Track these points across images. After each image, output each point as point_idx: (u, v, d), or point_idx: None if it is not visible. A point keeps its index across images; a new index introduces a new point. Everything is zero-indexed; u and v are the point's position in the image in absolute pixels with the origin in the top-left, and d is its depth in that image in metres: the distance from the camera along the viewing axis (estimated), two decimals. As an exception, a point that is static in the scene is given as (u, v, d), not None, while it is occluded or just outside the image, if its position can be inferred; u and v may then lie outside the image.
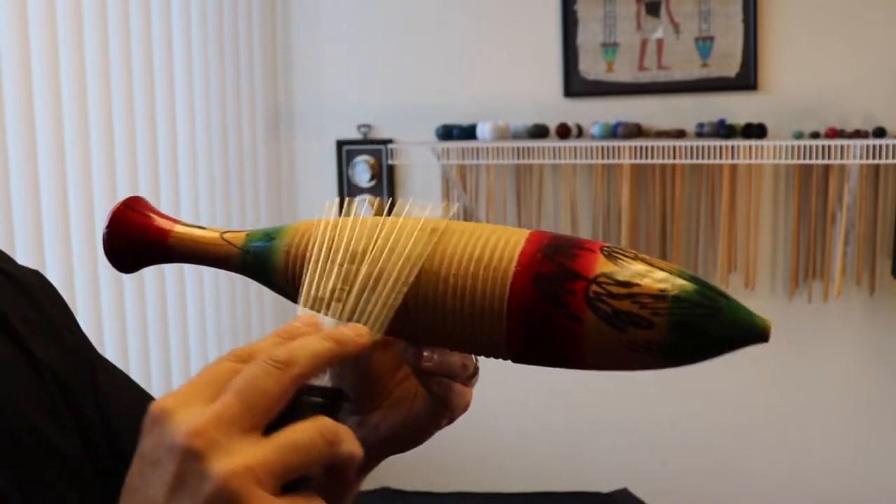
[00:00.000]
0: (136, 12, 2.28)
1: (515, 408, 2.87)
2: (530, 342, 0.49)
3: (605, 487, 2.61)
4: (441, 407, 0.57)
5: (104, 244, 0.55)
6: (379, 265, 0.51)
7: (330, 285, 0.50)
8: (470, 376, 0.57)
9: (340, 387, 0.46)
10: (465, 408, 0.58)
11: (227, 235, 0.55)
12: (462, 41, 2.78)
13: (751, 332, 0.48)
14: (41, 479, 0.55)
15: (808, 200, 2.48)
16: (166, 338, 2.40)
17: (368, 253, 0.51)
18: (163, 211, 0.57)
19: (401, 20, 2.83)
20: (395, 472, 2.60)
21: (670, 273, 0.48)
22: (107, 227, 0.55)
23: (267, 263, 0.54)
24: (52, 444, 0.56)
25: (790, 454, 2.66)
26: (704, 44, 2.55)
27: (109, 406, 0.61)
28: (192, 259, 0.56)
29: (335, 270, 0.51)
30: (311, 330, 0.46)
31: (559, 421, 2.86)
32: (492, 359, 0.53)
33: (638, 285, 0.47)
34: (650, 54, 2.60)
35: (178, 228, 0.56)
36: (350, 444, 0.43)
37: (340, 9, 2.88)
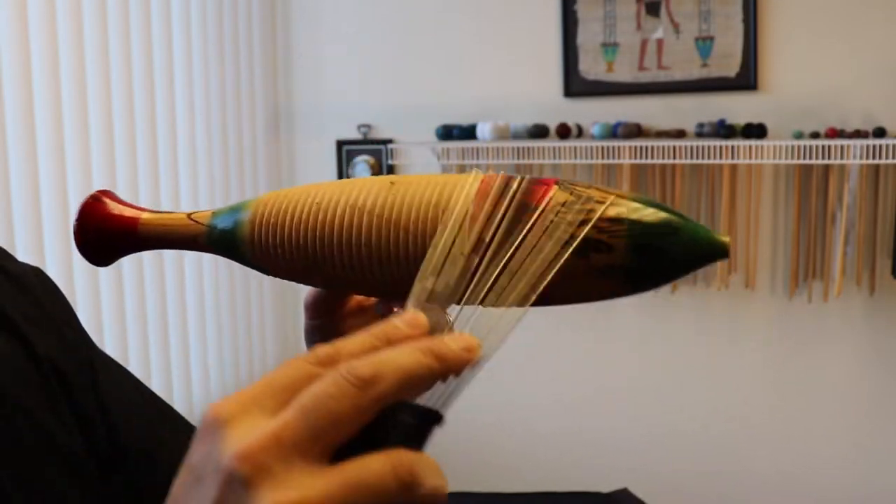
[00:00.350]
0: (136, 12, 2.28)
1: (516, 408, 2.87)
2: None
3: (605, 487, 2.61)
4: None
5: (75, 238, 0.56)
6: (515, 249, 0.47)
7: (453, 280, 0.46)
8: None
9: (436, 408, 0.39)
10: None
11: (193, 215, 0.56)
12: (462, 41, 2.78)
13: (710, 249, 0.48)
14: (42, 476, 0.55)
15: (808, 200, 2.48)
16: (166, 335, 2.40)
17: (496, 244, 0.48)
18: (159, 208, 0.57)
19: (401, 20, 2.83)
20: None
21: (626, 198, 0.48)
22: (76, 221, 0.55)
23: (234, 237, 0.54)
24: (53, 441, 0.56)
25: (790, 454, 2.66)
26: (704, 44, 2.55)
27: (109, 401, 0.61)
28: (163, 243, 0.56)
29: (460, 262, 0.47)
30: (412, 334, 0.39)
31: (559, 421, 2.86)
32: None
33: (594, 210, 0.47)
34: (650, 54, 2.60)
35: (146, 215, 0.56)
36: (432, 481, 0.36)
37: (340, 9, 2.88)
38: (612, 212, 0.48)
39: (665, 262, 0.48)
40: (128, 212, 0.56)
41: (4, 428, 0.54)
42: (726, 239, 0.48)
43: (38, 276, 0.65)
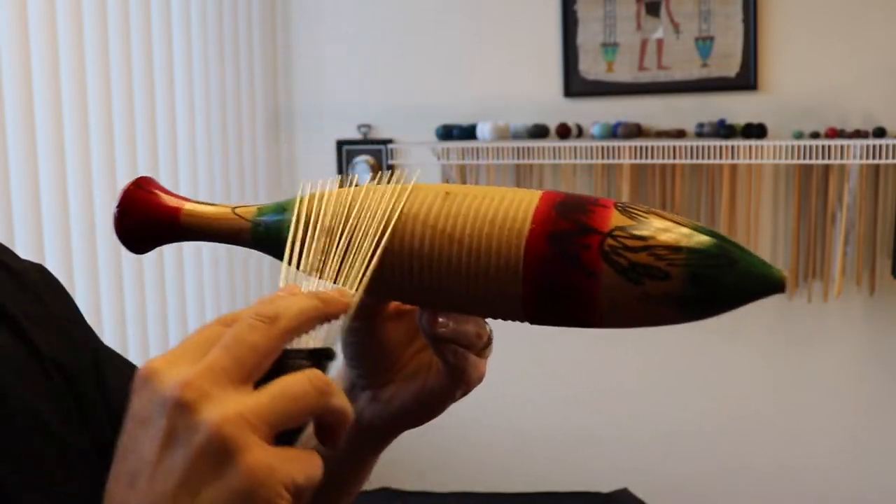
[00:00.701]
0: (136, 12, 2.28)
1: (516, 408, 2.87)
2: (547, 301, 0.48)
3: (605, 487, 2.61)
4: (456, 378, 0.56)
5: (116, 225, 0.55)
6: (353, 233, 0.51)
7: (309, 260, 0.50)
8: (484, 346, 0.56)
9: (330, 346, 0.46)
10: (479, 379, 0.57)
11: (238, 210, 0.55)
12: (462, 41, 2.78)
13: (767, 282, 0.47)
14: (46, 474, 0.55)
15: (808, 200, 2.48)
16: (166, 332, 2.40)
17: (340, 224, 0.51)
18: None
19: (401, 20, 2.83)
20: (395, 472, 2.60)
21: (685, 226, 0.48)
22: (118, 207, 0.54)
23: (279, 236, 0.53)
24: (58, 437, 0.56)
25: (790, 454, 2.66)
26: (704, 44, 2.55)
27: (113, 395, 0.61)
28: (204, 236, 0.55)
29: (312, 246, 0.51)
30: (295, 291, 0.47)
31: (559, 421, 2.86)
32: (508, 322, 0.52)
33: (653, 237, 0.47)
34: (650, 54, 2.60)
35: (189, 206, 0.55)
36: (342, 398, 0.42)
37: (340, 9, 2.88)
38: (671, 239, 0.47)
39: (720, 293, 0.47)
40: (171, 201, 0.55)
41: (8, 426, 0.54)
42: (784, 273, 0.48)
43: (40, 273, 0.65)
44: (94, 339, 0.65)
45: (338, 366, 0.53)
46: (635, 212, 0.48)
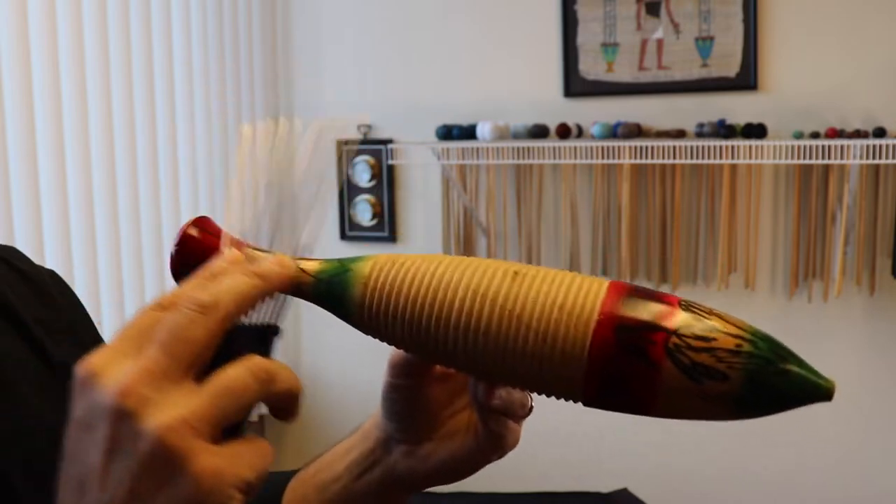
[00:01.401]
0: (136, 12, 2.28)
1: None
2: (605, 388, 0.50)
3: (605, 487, 2.61)
4: (494, 443, 0.58)
5: (172, 266, 0.54)
6: (285, 190, 0.52)
7: (248, 216, 0.50)
8: (525, 414, 0.58)
9: (273, 322, 0.46)
10: (515, 443, 0.59)
11: (301, 264, 0.54)
12: (462, 41, 2.78)
13: (816, 392, 0.50)
14: (54, 479, 0.55)
15: (808, 200, 2.48)
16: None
17: (274, 178, 0.52)
18: (220, 227, 0.55)
19: (401, 20, 2.83)
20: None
21: (745, 330, 0.51)
22: (175, 248, 0.53)
23: (343, 297, 0.53)
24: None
25: (790, 454, 2.66)
26: (704, 44, 2.55)
27: None
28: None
29: (251, 204, 0.51)
30: (235, 267, 0.45)
31: (559, 421, 2.86)
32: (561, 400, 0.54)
33: (716, 339, 0.49)
34: (650, 54, 2.60)
35: (248, 252, 0.54)
36: (286, 379, 0.42)
37: (340, 9, 2.88)
38: (732, 343, 0.49)
39: (772, 398, 0.50)
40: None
41: (18, 430, 0.54)
42: (833, 383, 0.50)
43: (52, 277, 0.65)
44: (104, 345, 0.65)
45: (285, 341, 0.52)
46: (697, 311, 0.51)
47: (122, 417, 0.38)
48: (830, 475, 2.63)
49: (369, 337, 0.54)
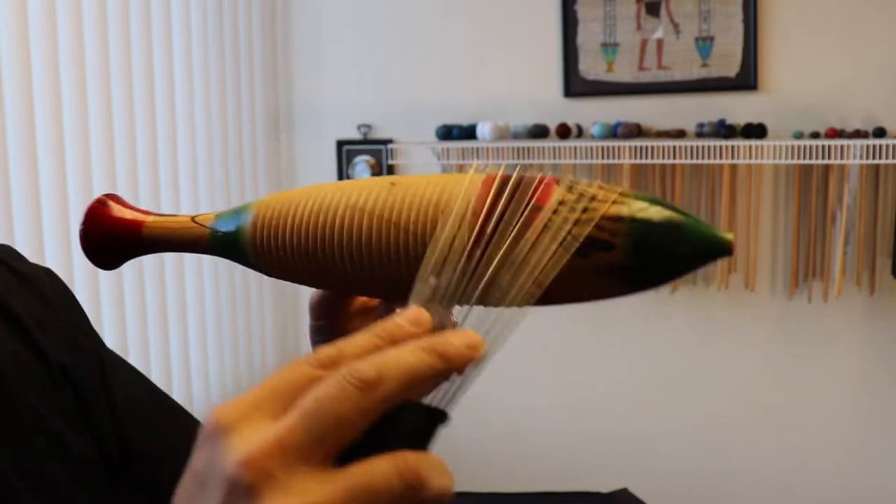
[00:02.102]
0: (136, 13, 2.28)
1: (516, 408, 2.87)
2: None
3: (605, 487, 2.61)
4: None
5: (81, 242, 0.56)
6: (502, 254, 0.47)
7: (454, 277, 0.45)
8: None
9: (441, 407, 0.39)
10: None
11: (197, 218, 0.56)
12: (462, 41, 2.78)
13: (712, 247, 0.48)
14: (51, 479, 0.55)
15: (808, 200, 2.48)
16: (166, 336, 2.40)
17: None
18: (159, 210, 0.58)
19: (401, 20, 2.83)
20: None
21: (628, 196, 0.48)
22: (82, 225, 0.56)
23: (236, 240, 0.54)
24: (64, 443, 0.56)
25: (790, 453, 2.66)
26: (704, 44, 2.55)
27: (118, 401, 0.61)
28: (167, 246, 0.56)
29: (460, 258, 0.46)
30: (415, 332, 0.39)
31: (559, 421, 2.86)
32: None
33: (595, 210, 0.47)
34: (650, 54, 2.60)
35: (150, 219, 0.56)
36: (439, 481, 0.35)
37: (340, 9, 2.88)
38: (614, 210, 0.47)
39: (666, 261, 0.48)
40: (132, 215, 0.57)
41: (13, 429, 0.54)
42: (730, 236, 0.48)
43: (48, 276, 0.65)
44: (99, 345, 0.65)
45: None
46: (578, 185, 0.48)
47: (240, 491, 0.34)
48: (830, 474, 2.63)
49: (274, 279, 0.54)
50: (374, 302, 0.61)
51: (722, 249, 0.48)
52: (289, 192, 0.54)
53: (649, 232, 0.47)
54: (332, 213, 0.52)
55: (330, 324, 0.59)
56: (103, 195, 0.57)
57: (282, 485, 0.33)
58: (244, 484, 0.33)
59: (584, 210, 0.47)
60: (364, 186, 0.52)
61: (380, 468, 0.34)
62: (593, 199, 0.47)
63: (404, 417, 0.37)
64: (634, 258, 0.47)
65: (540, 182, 0.49)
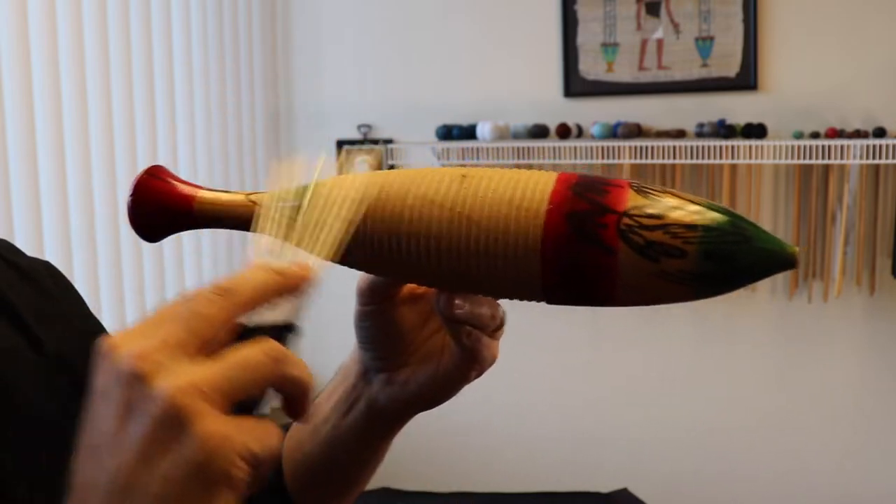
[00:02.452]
0: (136, 12, 2.28)
1: (516, 408, 2.87)
2: (565, 280, 0.49)
3: (605, 488, 2.61)
4: (469, 359, 0.57)
5: (129, 213, 0.54)
6: (322, 208, 0.51)
7: (278, 232, 0.50)
8: (497, 327, 0.58)
9: (291, 321, 0.46)
10: (492, 360, 0.58)
11: (252, 196, 0.55)
12: (462, 41, 2.78)
13: (779, 258, 0.49)
14: (48, 468, 0.55)
15: (808, 200, 2.48)
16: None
17: (309, 198, 0.51)
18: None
19: (401, 20, 2.83)
20: (395, 472, 2.60)
21: (700, 205, 0.49)
22: (131, 196, 0.54)
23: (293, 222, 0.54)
24: (60, 434, 0.56)
25: (790, 454, 2.66)
26: (704, 44, 2.55)
27: None
28: (218, 223, 0.55)
29: (282, 220, 0.50)
30: (257, 265, 0.47)
31: (559, 421, 2.86)
32: (525, 302, 0.53)
33: (669, 216, 0.48)
34: (650, 54, 2.60)
35: (203, 193, 0.55)
36: (300, 367, 0.42)
37: (340, 9, 2.88)
38: (685, 217, 0.48)
39: (734, 269, 0.49)
40: (185, 189, 0.55)
41: (10, 421, 0.54)
42: (796, 249, 0.49)
43: (48, 269, 0.65)
44: (102, 334, 0.65)
45: (303, 342, 0.52)
46: (650, 191, 0.49)
47: (136, 380, 0.39)
48: (831, 475, 2.63)
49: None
50: (422, 289, 0.61)
51: (788, 262, 0.49)
52: (351, 176, 0.54)
53: (721, 242, 0.48)
54: (401, 202, 0.52)
55: (378, 309, 0.59)
56: (152, 166, 0.56)
57: (170, 370, 0.39)
58: (139, 374, 0.39)
59: (657, 216, 0.48)
60: (434, 177, 0.52)
61: (248, 349, 0.41)
62: (668, 206, 0.48)
63: (260, 332, 0.44)
64: (705, 265, 0.48)
65: (613, 185, 0.50)
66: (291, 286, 0.46)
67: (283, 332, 0.46)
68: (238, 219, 0.55)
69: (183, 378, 0.39)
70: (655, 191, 0.49)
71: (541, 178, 0.51)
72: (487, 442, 2.89)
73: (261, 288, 0.44)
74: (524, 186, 0.50)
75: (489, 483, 2.79)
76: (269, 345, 0.41)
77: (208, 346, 0.41)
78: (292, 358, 0.42)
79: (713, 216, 0.48)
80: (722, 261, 0.48)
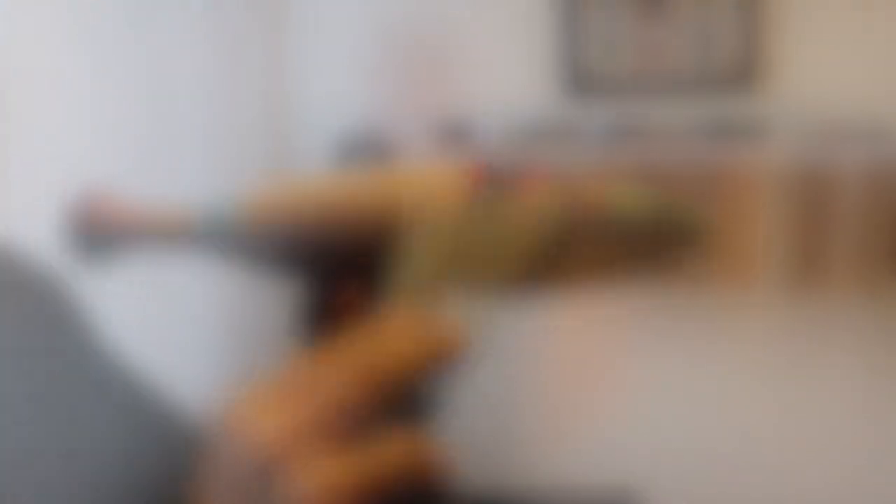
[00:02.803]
0: (135, 11, 2.27)
1: (516, 409, 2.87)
2: None
3: (605, 488, 2.61)
4: None
5: (64, 237, 0.55)
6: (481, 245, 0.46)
7: (428, 276, 0.44)
8: None
9: (436, 394, 0.42)
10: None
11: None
12: (460, 40, 2.77)
13: (695, 233, 0.49)
14: (48, 473, 0.55)
15: (809, 200, 2.48)
16: (166, 338, 2.40)
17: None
18: None
19: (400, 20, 2.83)
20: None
21: (614, 188, 0.49)
22: (67, 221, 0.55)
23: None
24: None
25: (790, 454, 2.66)
26: (704, 43, 2.55)
27: None
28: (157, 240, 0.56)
29: (435, 260, 0.44)
30: (407, 329, 0.40)
31: (559, 422, 2.85)
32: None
33: (582, 199, 0.48)
34: (650, 54, 2.60)
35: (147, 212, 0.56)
36: (439, 458, 0.38)
37: (340, 9, 2.88)
38: (599, 200, 0.48)
39: (652, 249, 0.48)
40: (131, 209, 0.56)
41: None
42: (709, 220, 0.49)
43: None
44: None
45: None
46: (566, 179, 0.49)
47: (259, 472, 0.36)
48: (831, 476, 2.63)
49: None
50: None
51: (704, 235, 0.49)
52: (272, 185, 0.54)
53: (633, 221, 0.47)
54: (316, 206, 0.51)
55: None
56: (90, 189, 0.56)
57: (297, 464, 0.36)
58: (262, 465, 0.36)
59: (572, 200, 0.47)
60: (345, 178, 0.52)
61: (386, 445, 0.37)
62: (580, 190, 0.48)
63: (403, 406, 0.39)
64: (621, 246, 0.47)
65: (524, 175, 0.49)
66: (445, 359, 0.40)
67: (427, 407, 0.41)
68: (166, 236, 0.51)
69: (311, 479, 0.35)
70: (570, 179, 0.49)
71: (435, 177, 0.49)
72: (487, 442, 2.89)
73: (409, 364, 0.38)
74: (427, 183, 0.48)
75: (490, 483, 2.79)
76: (409, 439, 0.38)
77: (340, 435, 0.37)
78: (432, 455, 0.38)
79: (625, 195, 0.48)
80: (637, 240, 0.48)
